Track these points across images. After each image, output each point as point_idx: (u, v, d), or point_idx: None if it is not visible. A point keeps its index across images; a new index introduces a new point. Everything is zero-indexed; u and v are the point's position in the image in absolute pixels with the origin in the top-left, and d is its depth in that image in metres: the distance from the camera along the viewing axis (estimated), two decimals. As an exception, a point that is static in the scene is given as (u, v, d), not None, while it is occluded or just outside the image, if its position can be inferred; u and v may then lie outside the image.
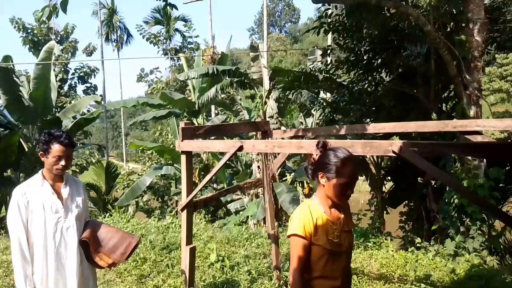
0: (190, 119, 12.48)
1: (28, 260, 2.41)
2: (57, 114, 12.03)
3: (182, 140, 3.23)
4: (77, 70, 17.99)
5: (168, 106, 12.65)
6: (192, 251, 3.35)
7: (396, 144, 2.41)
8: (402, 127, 3.84)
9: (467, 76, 5.89)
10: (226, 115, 13.34)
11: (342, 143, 2.69)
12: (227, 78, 10.93)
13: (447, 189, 6.24)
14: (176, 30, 18.74)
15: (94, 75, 18.25)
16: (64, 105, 15.83)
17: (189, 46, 18.02)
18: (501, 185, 6.71)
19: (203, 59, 15.20)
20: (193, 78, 11.20)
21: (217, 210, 11.12)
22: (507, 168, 6.54)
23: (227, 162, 11.77)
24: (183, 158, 3.29)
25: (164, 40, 18.43)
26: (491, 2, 9.28)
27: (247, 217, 9.98)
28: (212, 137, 10.41)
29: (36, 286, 2.43)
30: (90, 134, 20.42)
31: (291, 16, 66.44)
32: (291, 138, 4.50)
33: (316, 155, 2.01)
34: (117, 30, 27.87)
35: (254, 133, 7.96)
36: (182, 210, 3.34)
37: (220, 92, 11.40)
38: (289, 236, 1.95)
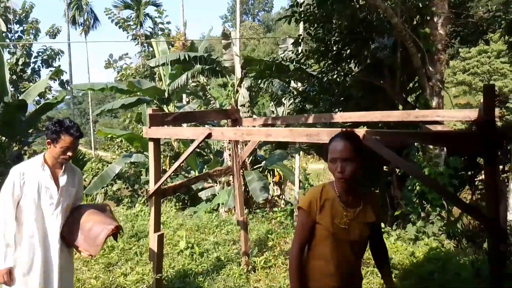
0: (160, 107, 12.29)
1: (11, 243, 2.42)
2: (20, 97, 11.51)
3: (149, 127, 3.20)
4: (40, 53, 17.13)
5: (138, 93, 12.37)
6: (160, 238, 3.36)
7: (360, 133, 2.50)
8: (368, 117, 3.97)
9: (430, 68, 6.12)
10: (198, 104, 13.19)
11: (309, 131, 2.77)
12: (198, 65, 10.81)
13: (410, 177, 6.52)
14: (147, 15, 18.24)
15: (59, 58, 17.43)
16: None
17: (160, 32, 17.56)
18: (461, 173, 7.07)
19: (173, 45, 14.89)
20: (164, 64, 10.98)
21: (188, 198, 11.08)
22: (465, 157, 6.88)
23: (199, 150, 11.70)
24: (150, 145, 3.27)
25: (134, 26, 17.88)
26: (455, -3, 9.62)
27: (218, 204, 10.03)
28: (186, 124, 10.31)
29: (23, 268, 2.47)
30: (55, 121, 19.59)
31: (264, 5, 66.02)
32: (261, 126, 4.55)
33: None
34: (84, 14, 26.76)
35: (226, 121, 7.95)
36: (150, 197, 3.33)
37: (191, 80, 11.25)
38: (297, 208, 2.04)
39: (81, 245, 2.58)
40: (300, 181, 12.81)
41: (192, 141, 3.37)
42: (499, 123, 10.68)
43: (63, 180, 2.59)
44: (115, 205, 11.39)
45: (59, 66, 16.63)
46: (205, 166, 12.44)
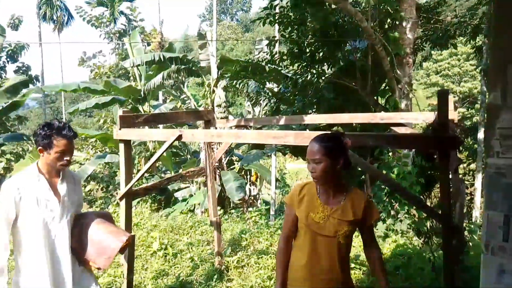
0: (135, 106, 12.14)
1: (4, 271, 2.15)
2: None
3: (120, 129, 3.21)
4: (4, 48, 16.49)
5: (113, 93, 12.18)
6: (132, 240, 3.36)
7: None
8: (337, 119, 4.11)
9: (398, 72, 6.34)
10: (174, 103, 13.11)
11: (277, 133, 2.85)
12: (174, 65, 10.76)
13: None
14: (121, 12, 17.93)
15: (24, 53, 16.79)
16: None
17: (132, 30, 17.31)
18: (430, 172, 7.34)
19: (149, 45, 14.74)
20: (139, 65, 10.86)
21: (164, 199, 11.01)
22: (435, 156, 7.14)
23: (175, 150, 11.60)
24: (121, 146, 3.26)
25: (108, 23, 17.55)
26: (425, 3, 9.97)
27: (195, 205, 10.02)
28: (161, 125, 10.21)
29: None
30: (25, 120, 18.96)
31: (242, 5, 66.03)
32: (234, 127, 4.61)
33: None
34: (57, 10, 26.02)
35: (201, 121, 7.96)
36: (120, 199, 3.33)
37: (167, 80, 11.18)
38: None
39: (91, 258, 2.39)
40: (276, 180, 12.95)
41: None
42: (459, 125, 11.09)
43: (62, 189, 2.33)
44: (88, 206, 11.20)
45: (31, 71, 16.07)
46: (181, 167, 12.40)
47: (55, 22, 25.81)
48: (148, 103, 12.56)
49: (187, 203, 9.67)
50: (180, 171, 12.29)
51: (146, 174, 11.47)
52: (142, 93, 11.82)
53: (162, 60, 10.46)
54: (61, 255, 2.30)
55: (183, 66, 10.74)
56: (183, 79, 11.68)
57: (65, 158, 2.24)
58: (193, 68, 10.90)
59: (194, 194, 10.59)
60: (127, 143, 3.30)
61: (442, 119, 2.33)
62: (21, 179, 2.23)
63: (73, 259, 2.35)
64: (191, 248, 4.92)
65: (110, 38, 18.62)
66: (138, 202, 8.93)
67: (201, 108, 10.09)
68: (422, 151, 4.97)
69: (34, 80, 17.66)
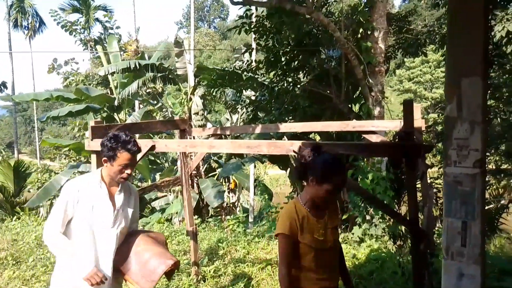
0: (110, 115, 11.94)
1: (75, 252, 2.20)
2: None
3: (92, 139, 3.16)
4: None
5: (87, 101, 11.94)
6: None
7: (296, 144, 2.65)
8: (311, 127, 4.18)
9: (370, 80, 6.51)
10: (146, 109, 12.95)
11: (250, 143, 2.88)
12: (150, 73, 10.67)
13: (357, 180, 6.86)
14: (97, 19, 17.65)
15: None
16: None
17: (108, 36, 17.07)
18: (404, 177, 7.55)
19: (125, 52, 14.56)
20: (114, 73, 10.70)
21: (140, 209, 10.82)
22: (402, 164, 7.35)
23: (153, 158, 11.41)
24: (93, 157, 3.21)
25: (82, 30, 17.24)
26: (396, 12, 10.31)
27: (172, 214, 9.89)
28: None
29: None
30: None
31: (220, 12, 66.28)
32: (210, 136, 4.61)
33: (309, 157, 2.02)
34: (28, 16, 25.36)
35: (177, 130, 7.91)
36: (92, 211, 3.27)
37: (142, 87, 11.06)
38: (276, 235, 2.02)
39: (133, 277, 2.30)
40: (255, 187, 12.95)
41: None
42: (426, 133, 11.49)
43: (119, 199, 2.33)
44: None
45: None
46: (158, 175, 12.25)
47: (27, 28, 25.15)
48: (124, 111, 12.38)
49: (164, 212, 9.54)
50: (157, 179, 12.16)
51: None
52: (116, 101, 11.62)
53: (138, 67, 10.36)
54: (104, 264, 2.29)
55: (159, 74, 10.66)
56: (160, 87, 11.59)
57: (126, 172, 2.26)
58: (170, 76, 10.84)
59: (172, 203, 10.47)
60: (99, 154, 3.25)
61: (408, 128, 2.42)
62: (82, 182, 2.28)
63: (114, 274, 2.33)
64: (168, 259, 4.86)
65: (85, 45, 18.29)
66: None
67: (176, 117, 10.02)
68: (391, 158, 5.12)
69: (1, 87, 17.08)
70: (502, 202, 9.38)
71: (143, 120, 11.06)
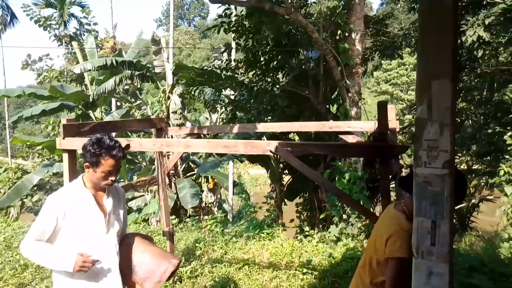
0: (86, 113, 11.65)
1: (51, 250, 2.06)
2: None
3: (63, 138, 3.07)
4: None
5: (61, 98, 11.59)
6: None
7: (273, 144, 2.65)
8: (288, 127, 4.19)
9: (348, 81, 6.60)
10: (126, 109, 12.72)
11: (227, 142, 2.86)
12: (127, 70, 10.47)
13: (334, 180, 6.94)
14: (72, 15, 17.16)
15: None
16: None
17: (86, 34, 16.64)
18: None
19: (102, 49, 14.23)
20: (90, 70, 10.44)
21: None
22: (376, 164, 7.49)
23: (130, 157, 11.16)
24: (65, 157, 3.12)
25: (57, 25, 16.71)
26: (373, 15, 10.50)
27: (149, 214, 9.74)
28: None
29: None
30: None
31: (200, 10, 65.80)
32: (188, 135, 4.56)
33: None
34: (-1, 9, 24.37)
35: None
36: (64, 212, 3.17)
37: (119, 85, 10.84)
38: (392, 258, 1.87)
39: (138, 281, 2.24)
40: (234, 186, 12.93)
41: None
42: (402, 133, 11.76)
43: (108, 204, 2.23)
44: (35, 217, 10.56)
45: None
46: (136, 174, 12.04)
47: (-3, 22, 24.18)
48: (100, 109, 12.10)
49: (141, 212, 9.39)
50: (135, 178, 11.95)
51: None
52: (91, 98, 11.33)
53: (115, 65, 10.13)
54: (110, 274, 2.16)
55: (137, 72, 10.47)
56: (137, 85, 11.39)
57: (110, 178, 2.15)
58: (148, 73, 10.66)
59: (149, 203, 10.31)
60: (72, 153, 3.16)
61: (382, 129, 2.46)
62: (66, 193, 2.16)
63: (122, 282, 2.23)
64: (143, 260, 4.77)
65: (60, 41, 17.76)
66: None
67: (153, 116, 9.90)
68: (365, 159, 5.21)
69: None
70: (473, 201, 9.70)
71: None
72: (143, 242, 2.35)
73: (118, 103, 16.90)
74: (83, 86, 15.22)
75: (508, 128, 6.56)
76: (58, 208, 2.08)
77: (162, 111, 10.69)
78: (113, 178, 2.17)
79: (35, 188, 11.91)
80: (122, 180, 12.30)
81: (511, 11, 7.31)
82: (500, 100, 11.59)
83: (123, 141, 2.94)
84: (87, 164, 2.14)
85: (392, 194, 3.05)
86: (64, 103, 11.10)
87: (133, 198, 11.06)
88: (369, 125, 3.73)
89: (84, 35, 16.42)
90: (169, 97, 10.49)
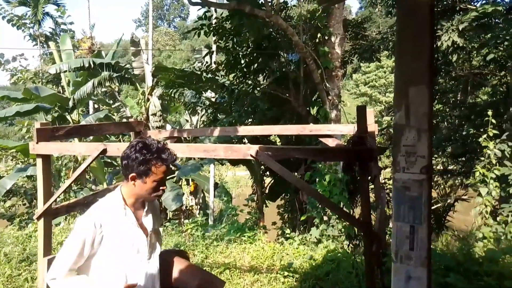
0: (62, 115, 11.35)
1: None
2: None
3: (37, 142, 2.97)
4: None
5: (36, 100, 11.26)
6: (51, 263, 3.10)
7: (253, 149, 2.64)
8: (269, 130, 4.19)
9: (328, 84, 6.67)
10: (105, 112, 12.47)
11: (207, 146, 2.83)
12: (105, 72, 10.27)
13: (315, 182, 6.99)
14: (47, 14, 16.68)
15: None
16: None
17: (62, 34, 16.22)
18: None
19: (79, 50, 13.91)
20: (66, 71, 10.18)
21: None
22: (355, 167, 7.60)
23: (110, 160, 10.96)
24: (39, 162, 3.02)
25: (31, 24, 16.22)
26: (352, 19, 10.66)
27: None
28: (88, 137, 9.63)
29: None
30: None
31: (180, 11, 65.30)
32: (167, 138, 4.49)
33: None
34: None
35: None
36: (38, 219, 3.07)
37: (97, 87, 10.62)
38: None
39: None
40: (216, 188, 12.84)
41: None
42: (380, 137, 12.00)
43: (148, 222, 1.93)
44: (8, 224, 10.17)
45: None
46: (115, 178, 11.81)
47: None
48: (77, 111, 11.81)
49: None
50: (114, 182, 11.71)
51: (74, 187, 10.73)
52: (70, 101, 11.06)
53: (92, 66, 9.92)
54: None
55: (115, 74, 10.28)
56: (115, 87, 11.18)
57: (161, 188, 1.86)
58: (126, 75, 10.49)
59: (128, 206, 10.13)
60: (46, 157, 3.06)
61: (361, 133, 2.48)
62: (103, 213, 1.82)
63: None
64: (122, 266, 4.67)
65: (34, 40, 17.25)
66: (66, 218, 8.30)
67: (131, 119, 9.75)
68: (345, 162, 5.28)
69: None
70: (449, 201, 9.95)
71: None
72: (179, 259, 2.11)
73: (96, 106, 16.54)
74: (60, 88, 14.82)
75: (482, 130, 6.76)
76: (94, 231, 1.76)
77: (141, 114, 10.53)
78: (164, 188, 1.89)
79: (9, 193, 11.49)
80: (100, 183, 12.04)
81: (482, 18, 7.56)
82: (473, 102, 11.97)
83: (99, 146, 2.87)
84: (133, 175, 1.80)
85: (372, 195, 3.08)
86: (40, 105, 10.79)
87: (112, 202, 10.83)
88: (348, 129, 3.77)
89: (60, 35, 15.99)
90: (148, 99, 10.35)
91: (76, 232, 1.80)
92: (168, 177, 11.15)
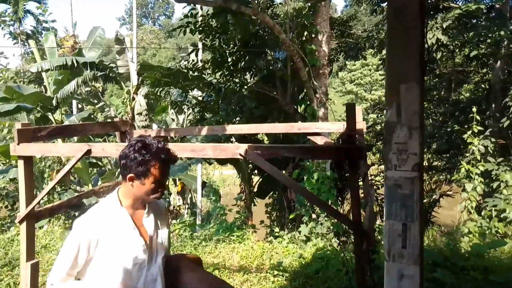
0: (45, 115, 11.09)
1: None
2: None
3: (18, 143, 2.86)
4: None
5: (18, 100, 10.96)
6: (34, 268, 3.01)
7: (242, 148, 2.60)
8: (257, 129, 4.15)
9: (315, 82, 6.68)
10: (89, 112, 12.23)
11: (194, 146, 2.78)
12: (89, 71, 10.07)
13: (303, 180, 7.00)
14: (28, 11, 16.29)
15: None
16: None
17: (44, 32, 15.85)
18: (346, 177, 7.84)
19: (61, 48, 13.60)
20: (48, 70, 9.94)
21: (79, 215, 10.17)
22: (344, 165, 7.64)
23: (95, 161, 10.75)
24: (20, 163, 2.91)
25: (12, 22, 15.81)
26: (338, 17, 10.71)
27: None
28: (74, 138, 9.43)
29: None
30: None
31: (165, 9, 64.63)
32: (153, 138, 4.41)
33: None
34: None
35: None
36: (20, 222, 2.97)
37: (81, 86, 10.40)
38: None
39: None
40: (203, 188, 12.76)
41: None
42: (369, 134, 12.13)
43: (149, 224, 1.84)
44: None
45: None
46: (100, 179, 11.61)
47: None
48: (60, 111, 11.55)
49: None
50: (100, 183, 11.50)
51: (58, 189, 10.50)
52: (53, 101, 10.81)
53: (76, 65, 9.71)
54: None
55: (99, 73, 10.09)
56: (100, 86, 10.98)
57: (160, 190, 1.78)
58: (111, 74, 10.30)
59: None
60: (27, 159, 2.96)
61: (350, 131, 2.47)
62: (99, 217, 1.76)
63: None
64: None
65: (15, 39, 16.82)
66: (49, 220, 8.13)
67: (116, 119, 9.60)
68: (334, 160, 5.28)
69: None
70: (434, 197, 10.11)
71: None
72: (190, 268, 1.98)
73: (80, 105, 16.24)
74: (42, 88, 14.49)
75: (466, 126, 6.88)
76: (89, 235, 1.71)
77: (126, 113, 10.37)
78: (163, 189, 1.81)
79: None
80: (85, 184, 11.81)
81: (466, 16, 7.69)
82: (457, 99, 12.19)
83: (83, 147, 2.79)
84: (131, 175, 1.73)
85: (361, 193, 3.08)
86: (21, 105, 10.51)
87: (97, 203, 10.65)
88: (337, 127, 3.77)
89: (42, 33, 15.63)
90: (133, 98, 10.20)
91: (71, 237, 1.75)
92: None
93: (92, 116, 12.32)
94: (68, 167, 2.82)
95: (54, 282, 1.74)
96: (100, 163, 13.43)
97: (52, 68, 9.84)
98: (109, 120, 11.28)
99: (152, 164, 1.72)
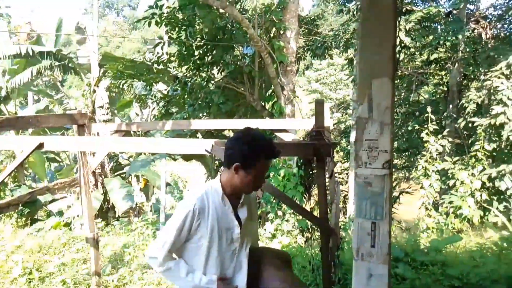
0: (-4, 106, 10.38)
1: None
2: None
3: (-40, 136, 2.61)
4: None
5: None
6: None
7: (209, 143, 2.52)
8: (223, 124, 4.07)
9: (283, 79, 6.66)
10: (45, 104, 11.57)
11: (157, 141, 2.65)
12: (46, 60, 9.49)
13: (268, 177, 6.98)
14: (-22, -5, 15.19)
15: None
16: None
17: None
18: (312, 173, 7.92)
19: (16, 35, 12.78)
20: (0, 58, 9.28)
21: (33, 213, 9.60)
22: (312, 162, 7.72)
23: (53, 156, 10.16)
24: (-38, 158, 2.66)
25: (-41, 6, 14.67)
26: (306, 15, 10.79)
27: (74, 218, 8.96)
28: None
29: None
30: None
31: (129, 0, 62.58)
32: (115, 132, 4.21)
33: None
34: None
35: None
36: (-38, 222, 2.72)
37: (37, 76, 9.80)
38: None
39: None
40: (167, 185, 12.47)
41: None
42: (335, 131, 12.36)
43: (243, 214, 1.89)
44: None
45: None
46: (56, 175, 11.03)
47: None
48: (14, 102, 10.85)
49: (62, 216, 8.59)
50: (55, 179, 10.93)
51: (11, 185, 9.87)
52: (4, 91, 10.12)
53: (31, 54, 9.13)
54: None
55: (57, 62, 9.55)
56: (58, 77, 10.40)
57: (262, 181, 1.84)
58: (70, 64, 9.78)
59: (72, 205, 9.48)
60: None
61: (319, 127, 2.45)
62: (204, 198, 1.81)
63: None
64: (64, 270, 4.34)
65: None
66: (0, 218, 7.61)
67: (74, 111, 9.15)
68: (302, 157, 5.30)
69: None
70: (394, 194, 10.46)
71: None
72: (276, 267, 1.96)
73: (36, 97, 15.35)
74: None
75: (425, 126, 7.14)
76: (193, 217, 1.78)
77: (87, 106, 9.89)
78: (263, 182, 1.88)
79: None
80: (40, 180, 11.18)
81: (426, 19, 7.97)
82: (417, 100, 12.67)
83: (35, 140, 2.58)
84: (237, 164, 1.77)
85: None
86: (-32, 95, 9.77)
87: (54, 200, 10.10)
88: (304, 124, 3.76)
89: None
90: (94, 91, 9.74)
91: (177, 215, 1.81)
92: (116, 173, 10.64)
93: (50, 108, 11.68)
94: (18, 161, 2.61)
95: (158, 256, 1.81)
96: (58, 158, 12.77)
97: (5, 57, 9.20)
98: (68, 112, 10.73)
99: (259, 158, 1.78)
